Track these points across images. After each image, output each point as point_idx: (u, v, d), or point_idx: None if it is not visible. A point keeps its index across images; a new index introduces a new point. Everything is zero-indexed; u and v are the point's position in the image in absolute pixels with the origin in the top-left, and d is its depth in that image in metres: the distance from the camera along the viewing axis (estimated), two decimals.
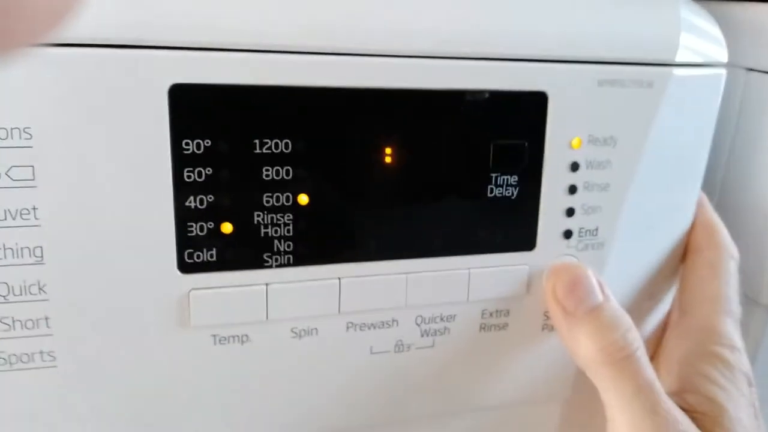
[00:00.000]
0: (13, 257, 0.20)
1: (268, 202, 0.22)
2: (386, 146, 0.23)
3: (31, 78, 0.19)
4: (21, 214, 0.20)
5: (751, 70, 0.31)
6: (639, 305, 0.29)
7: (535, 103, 0.24)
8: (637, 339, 0.24)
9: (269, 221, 0.22)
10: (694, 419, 0.24)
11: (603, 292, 0.25)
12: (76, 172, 0.20)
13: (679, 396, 0.25)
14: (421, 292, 0.24)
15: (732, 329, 0.26)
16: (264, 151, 0.22)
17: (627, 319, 0.25)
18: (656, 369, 0.29)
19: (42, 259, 0.20)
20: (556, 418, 0.30)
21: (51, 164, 0.19)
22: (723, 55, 0.27)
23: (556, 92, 0.24)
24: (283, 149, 0.22)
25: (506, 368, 0.27)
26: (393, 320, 0.25)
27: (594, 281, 0.25)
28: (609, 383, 0.24)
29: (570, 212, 0.25)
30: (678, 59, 0.26)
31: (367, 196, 0.23)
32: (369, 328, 0.24)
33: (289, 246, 0.22)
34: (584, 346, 0.24)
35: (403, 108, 0.23)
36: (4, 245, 0.20)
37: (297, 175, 0.22)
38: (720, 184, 0.37)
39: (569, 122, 0.24)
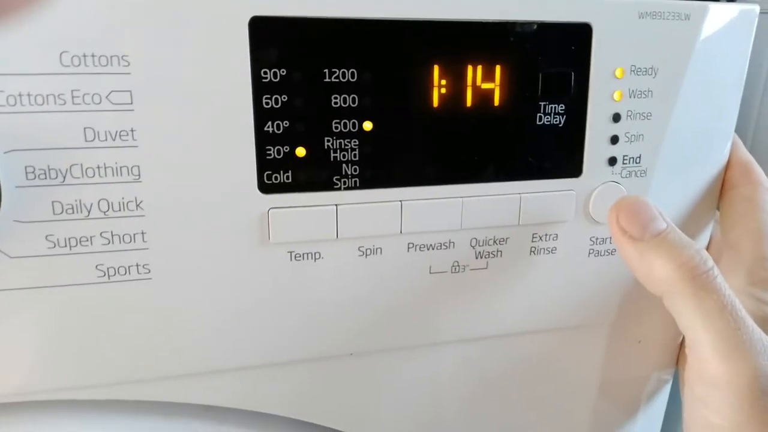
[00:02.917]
0: (113, 175, 0.22)
1: (336, 128, 0.24)
2: (442, 76, 0.25)
3: (128, 10, 0.21)
4: (120, 135, 0.22)
5: None
6: None
7: (580, 35, 0.25)
8: (710, 257, 0.25)
9: (338, 146, 0.24)
10: None
11: (665, 219, 0.26)
12: (168, 98, 0.22)
13: None
14: (476, 215, 0.26)
15: None
16: (333, 80, 0.23)
17: (693, 242, 0.25)
18: None
19: (139, 178, 0.22)
20: (603, 341, 0.31)
21: (146, 90, 0.22)
22: None
23: (600, 24, 0.25)
24: (350, 78, 0.24)
25: (555, 292, 0.29)
26: (450, 242, 0.26)
27: (655, 209, 0.26)
28: (691, 301, 0.24)
29: (614, 140, 0.27)
30: None
31: (425, 124, 0.25)
32: (428, 249, 0.26)
33: (355, 170, 0.24)
34: (660, 267, 0.24)
35: (459, 40, 0.24)
36: (105, 164, 0.22)
37: (362, 103, 0.24)
38: (753, 128, 0.38)
39: (612, 53, 0.26)
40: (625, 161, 0.27)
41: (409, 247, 0.26)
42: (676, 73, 0.27)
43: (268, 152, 0.23)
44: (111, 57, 0.21)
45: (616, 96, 0.26)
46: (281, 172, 0.24)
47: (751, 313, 0.26)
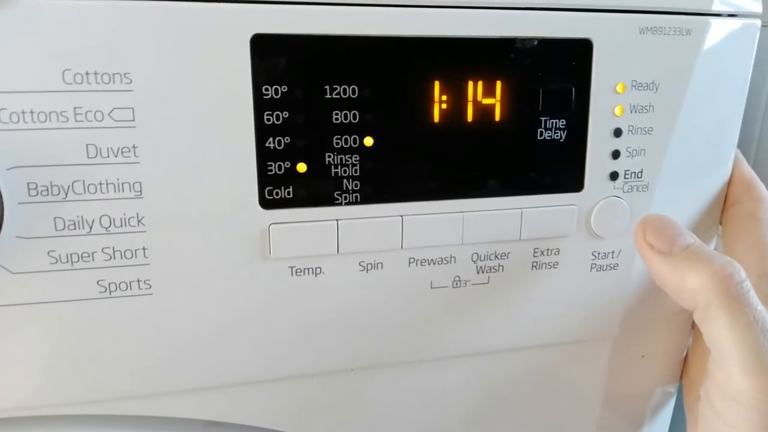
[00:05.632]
0: (115, 191, 0.22)
1: (337, 143, 0.24)
2: (443, 92, 0.25)
3: (131, 28, 0.21)
4: (122, 152, 0.22)
5: None
6: None
7: (581, 50, 0.25)
8: (743, 269, 0.24)
9: (339, 162, 0.24)
10: None
11: (692, 235, 0.26)
12: (170, 115, 0.22)
13: None
14: (477, 229, 0.26)
15: None
16: (333, 96, 0.24)
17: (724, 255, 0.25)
18: None
19: (141, 194, 0.22)
20: (606, 355, 0.31)
21: (149, 107, 0.22)
22: (757, 7, 0.29)
23: (601, 39, 0.25)
24: (351, 95, 0.24)
25: (557, 306, 0.29)
26: (451, 256, 0.26)
27: (682, 226, 0.26)
28: (722, 312, 0.23)
29: (616, 155, 0.27)
30: (714, 9, 0.27)
31: (426, 140, 0.25)
32: (429, 264, 0.26)
33: (356, 185, 0.24)
34: (693, 278, 0.24)
35: (459, 56, 0.24)
36: (107, 180, 0.22)
37: (363, 119, 0.24)
38: (756, 145, 0.38)
39: (613, 68, 0.26)
40: (626, 176, 0.27)
41: (410, 262, 0.26)
42: (677, 88, 0.27)
43: (269, 168, 0.23)
44: (113, 74, 0.21)
45: (618, 111, 0.26)
46: (282, 187, 0.24)
47: None
